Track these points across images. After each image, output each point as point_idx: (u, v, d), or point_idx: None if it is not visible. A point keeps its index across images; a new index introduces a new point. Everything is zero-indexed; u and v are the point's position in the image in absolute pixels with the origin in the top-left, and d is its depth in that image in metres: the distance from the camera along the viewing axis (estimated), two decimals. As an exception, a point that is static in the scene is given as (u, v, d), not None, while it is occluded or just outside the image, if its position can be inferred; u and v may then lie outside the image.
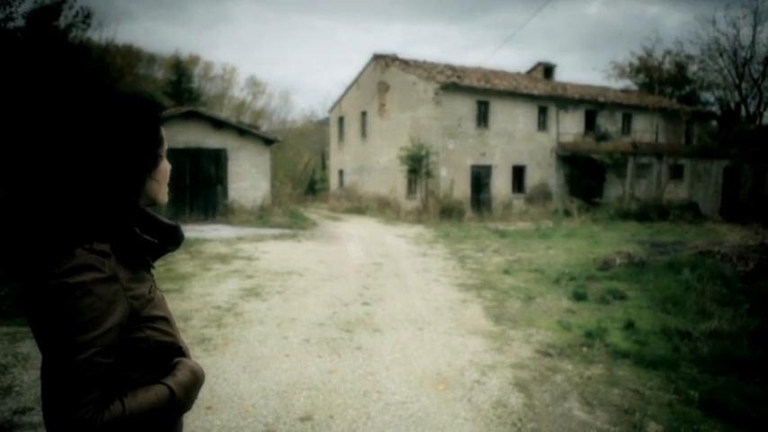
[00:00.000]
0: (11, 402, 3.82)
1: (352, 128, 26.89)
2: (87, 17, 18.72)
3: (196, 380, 1.29)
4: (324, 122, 34.15)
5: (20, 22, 15.34)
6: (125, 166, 1.18)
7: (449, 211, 19.72)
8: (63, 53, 17.31)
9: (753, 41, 31.68)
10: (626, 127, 26.06)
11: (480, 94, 21.69)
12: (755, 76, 32.04)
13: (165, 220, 1.32)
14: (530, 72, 28.41)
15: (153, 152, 1.25)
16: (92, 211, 1.14)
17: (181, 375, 1.25)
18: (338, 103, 28.32)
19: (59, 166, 1.14)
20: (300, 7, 78.77)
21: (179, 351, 1.32)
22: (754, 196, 24.02)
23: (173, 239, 1.33)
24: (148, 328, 1.22)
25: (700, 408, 4.02)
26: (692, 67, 35.09)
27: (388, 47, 65.38)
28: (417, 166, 20.71)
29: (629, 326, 6.04)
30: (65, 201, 1.12)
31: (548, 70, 28.29)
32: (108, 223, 1.16)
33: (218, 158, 18.28)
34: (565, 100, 23.96)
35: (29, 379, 4.24)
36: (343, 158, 27.85)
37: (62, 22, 17.64)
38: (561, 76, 38.54)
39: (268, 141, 19.65)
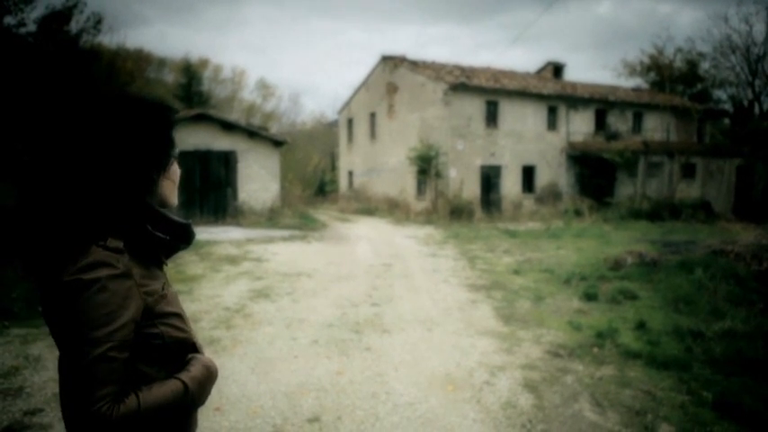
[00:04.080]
0: (21, 403, 3.85)
1: (361, 129, 26.91)
2: (98, 22, 18.90)
3: (210, 375, 1.31)
4: (333, 124, 34.17)
5: (31, 28, 15.53)
6: (136, 165, 1.22)
7: (458, 212, 19.65)
8: (74, 58, 17.50)
9: (766, 38, 31.28)
10: (637, 126, 25.84)
11: (489, 94, 21.60)
12: (769, 72, 31.64)
13: (177, 218, 1.35)
14: (539, 72, 28.26)
15: (164, 152, 1.30)
16: (105, 210, 1.17)
17: (194, 370, 1.27)
18: (347, 104, 28.35)
19: (72, 167, 1.16)
20: (312, 10, 79.00)
21: (193, 347, 1.35)
22: (767, 195, 23.72)
23: (184, 237, 1.36)
24: (162, 323, 1.24)
25: (713, 409, 3.96)
26: (704, 65, 34.73)
27: (399, 48, 65.23)
28: (426, 166, 20.67)
29: (641, 326, 5.97)
30: (79, 200, 1.15)
31: (557, 69, 28.12)
32: (121, 221, 1.19)
33: (227, 160, 18.35)
34: (575, 99, 23.81)
35: (39, 380, 4.27)
36: (352, 160, 27.87)
37: (73, 27, 17.84)
38: (571, 75, 38.27)
39: (277, 143, 19.70)
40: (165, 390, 1.19)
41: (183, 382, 1.23)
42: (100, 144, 1.18)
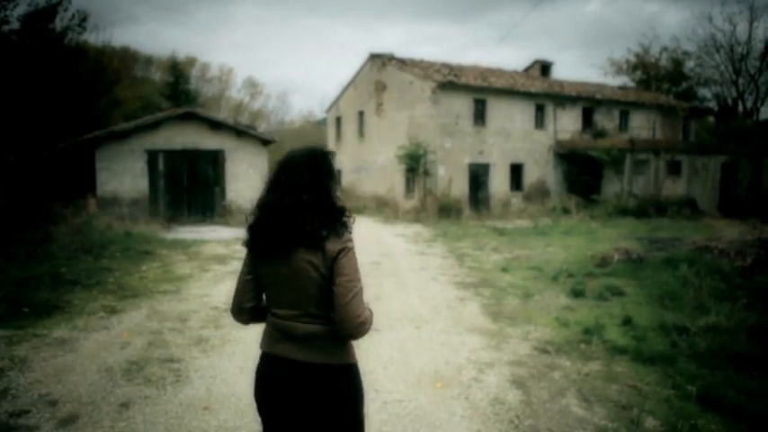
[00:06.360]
0: (6, 405, 3.81)
1: (349, 127, 26.87)
2: (83, 20, 18.72)
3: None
4: (322, 122, 34.06)
5: (15, 25, 15.34)
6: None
7: (447, 210, 19.69)
8: (59, 56, 17.29)
9: (749, 37, 31.64)
10: (623, 123, 26.03)
11: (477, 92, 21.66)
12: (752, 71, 32.01)
13: None
14: (527, 70, 28.37)
15: None
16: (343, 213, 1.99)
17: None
18: (335, 102, 28.29)
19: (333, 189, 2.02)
20: (302, 9, 78.67)
21: None
22: (751, 191, 24.02)
23: None
24: None
25: (697, 402, 4.02)
26: (689, 64, 35.06)
27: (389, 47, 65.18)
28: (415, 165, 20.68)
29: (627, 322, 6.04)
30: (336, 207, 1.98)
31: (545, 68, 28.25)
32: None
33: (215, 160, 18.25)
34: (562, 97, 23.94)
35: (25, 382, 4.22)
36: (340, 158, 27.79)
37: (58, 24, 17.65)
38: (560, 73, 38.52)
39: (266, 142, 19.62)
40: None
41: (370, 311, 1.97)
42: (333, 176, 2.07)
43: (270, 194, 1.97)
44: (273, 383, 1.95)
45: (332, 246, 1.88)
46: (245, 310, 2.06)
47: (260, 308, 2.06)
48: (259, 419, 2.07)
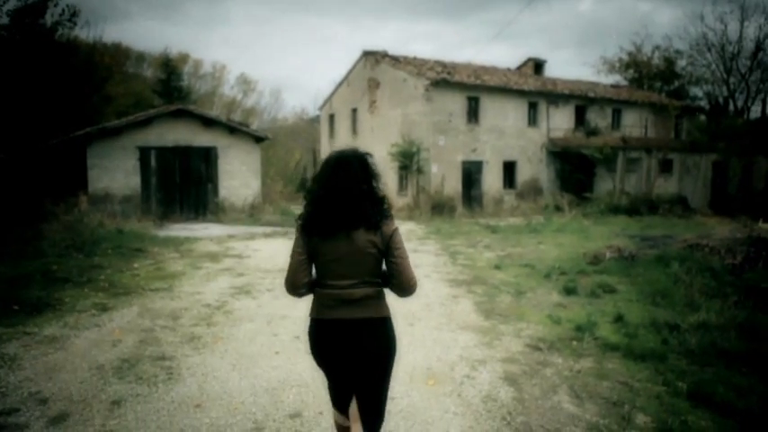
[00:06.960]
0: (-3, 403, 3.79)
1: (342, 125, 26.83)
2: (74, 15, 18.55)
3: None
4: (315, 120, 33.97)
5: (4, 21, 15.20)
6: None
7: (440, 208, 19.71)
8: (50, 51, 17.14)
9: (740, 36, 31.92)
10: (616, 122, 26.14)
11: (470, 90, 21.68)
12: (743, 70, 32.27)
13: None
14: (520, 68, 28.42)
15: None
16: (384, 201, 2.46)
17: None
18: (329, 100, 28.23)
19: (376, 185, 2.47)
20: (297, 6, 78.36)
21: None
22: (742, 190, 24.22)
23: None
24: None
25: (688, 399, 4.04)
26: (681, 62, 35.30)
27: (383, 44, 64.76)
28: (408, 162, 20.68)
29: (619, 319, 6.07)
30: (380, 197, 2.46)
31: (538, 66, 28.31)
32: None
33: (208, 157, 18.17)
34: (555, 95, 24.00)
35: (15, 380, 4.19)
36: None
37: (48, 20, 17.50)
38: (554, 71, 38.60)
39: (258, 139, 19.55)
40: None
41: None
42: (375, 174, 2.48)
43: (327, 186, 2.35)
44: (335, 341, 2.42)
45: (386, 228, 2.36)
46: (302, 285, 2.45)
47: (311, 282, 2.47)
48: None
